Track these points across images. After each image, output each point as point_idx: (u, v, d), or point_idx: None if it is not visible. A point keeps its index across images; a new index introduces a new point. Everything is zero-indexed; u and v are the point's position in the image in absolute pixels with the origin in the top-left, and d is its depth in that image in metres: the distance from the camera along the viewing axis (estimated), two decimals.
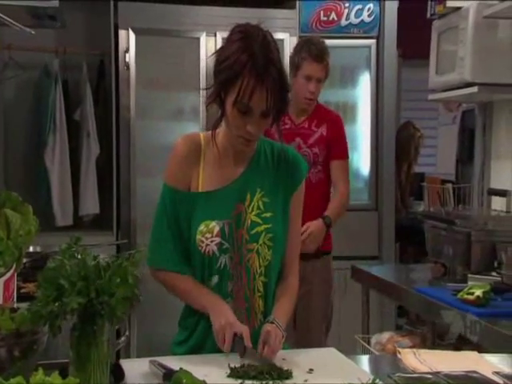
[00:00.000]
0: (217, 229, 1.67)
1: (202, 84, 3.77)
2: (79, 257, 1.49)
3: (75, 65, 3.92)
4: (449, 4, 2.81)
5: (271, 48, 1.60)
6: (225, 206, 1.69)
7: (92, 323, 1.43)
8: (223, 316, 1.62)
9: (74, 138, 3.90)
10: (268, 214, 1.70)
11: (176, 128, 3.83)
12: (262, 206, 1.70)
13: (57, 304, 1.41)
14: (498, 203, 3.10)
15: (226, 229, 1.67)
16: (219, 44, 3.78)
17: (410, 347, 2.71)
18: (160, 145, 3.81)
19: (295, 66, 2.90)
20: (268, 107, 1.59)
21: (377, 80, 3.95)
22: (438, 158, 3.51)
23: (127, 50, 3.75)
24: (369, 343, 2.85)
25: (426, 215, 2.98)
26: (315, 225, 2.79)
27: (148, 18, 3.77)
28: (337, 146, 2.97)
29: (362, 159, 3.97)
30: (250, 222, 1.69)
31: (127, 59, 3.75)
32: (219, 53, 1.65)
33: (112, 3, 3.76)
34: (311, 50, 2.87)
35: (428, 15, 3.10)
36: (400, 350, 1.78)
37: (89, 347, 1.44)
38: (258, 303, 1.72)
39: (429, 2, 3.04)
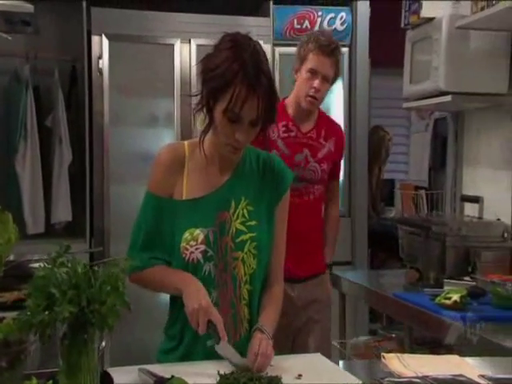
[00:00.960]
0: (201, 236, 1.67)
1: (177, 91, 3.78)
2: (69, 265, 1.48)
3: (46, 70, 3.88)
4: (423, 14, 2.87)
5: (261, 58, 1.62)
6: (209, 213, 1.70)
7: (83, 332, 1.43)
8: (196, 299, 1.60)
9: (45, 145, 3.85)
10: (253, 223, 1.71)
11: (150, 135, 3.82)
12: (246, 214, 1.71)
13: (47, 313, 1.40)
14: (470, 209, 3.17)
15: (211, 236, 1.68)
16: (194, 51, 3.79)
17: (388, 352, 2.76)
18: (134, 151, 3.80)
19: (300, 58, 2.58)
20: (258, 116, 1.60)
21: (349, 87, 4.00)
22: (410, 164, 3.57)
23: (100, 56, 3.73)
24: (345, 348, 2.88)
25: (400, 221, 3.03)
26: None
27: (122, 24, 3.75)
28: (337, 165, 2.80)
29: None
30: (234, 229, 1.70)
31: (100, 65, 3.73)
32: (208, 60, 1.65)
33: (85, 9, 3.73)
34: (319, 40, 2.54)
35: (402, 25, 3.16)
36: (384, 354, 1.81)
37: (79, 356, 1.43)
38: (243, 311, 1.73)
39: (403, 13, 3.10)
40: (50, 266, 1.48)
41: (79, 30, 3.77)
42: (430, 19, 2.88)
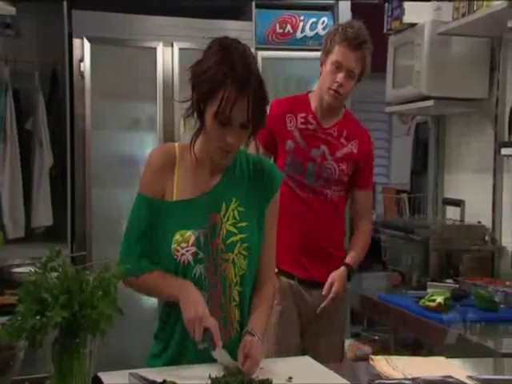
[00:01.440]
0: (192, 238, 1.68)
1: (159, 94, 3.77)
2: (60, 270, 1.48)
3: (27, 73, 3.84)
4: (405, 20, 2.91)
5: (251, 60, 1.63)
6: (200, 215, 1.70)
7: (74, 336, 1.43)
8: (193, 307, 1.62)
9: (26, 148, 3.82)
10: (243, 224, 1.72)
11: (132, 138, 3.81)
12: (237, 216, 1.72)
13: (39, 318, 1.40)
14: (452, 212, 3.21)
15: (202, 238, 1.69)
16: (176, 54, 3.79)
17: (372, 354, 2.79)
18: (116, 155, 3.79)
19: (325, 50, 2.44)
20: (248, 118, 1.61)
21: None
22: (392, 168, 3.60)
23: (82, 59, 3.71)
24: None
25: (384, 225, 3.06)
26: (340, 283, 2.41)
27: (104, 27, 3.73)
28: (365, 173, 2.54)
29: None
30: (225, 231, 1.71)
31: (82, 68, 3.71)
32: (197, 65, 1.66)
33: (66, 11, 3.70)
34: (347, 33, 2.40)
35: (384, 30, 3.19)
36: (372, 357, 1.82)
37: (71, 360, 1.43)
38: (233, 312, 1.73)
39: (385, 18, 3.14)
40: (40, 271, 1.47)
41: (60, 33, 3.74)
42: (413, 25, 2.92)
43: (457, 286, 2.68)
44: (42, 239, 3.85)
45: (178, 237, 1.68)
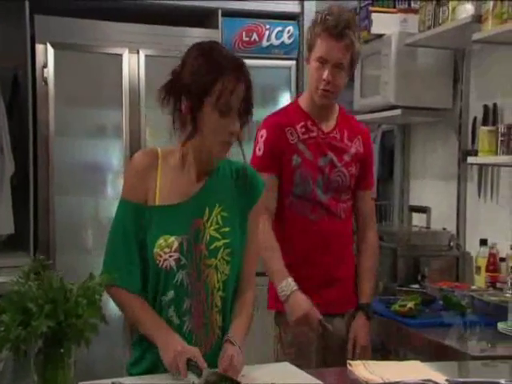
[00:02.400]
0: (176, 244, 1.68)
1: (125, 101, 3.74)
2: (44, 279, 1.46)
3: None
4: (373, 31, 2.97)
5: (236, 53, 1.71)
6: (184, 221, 1.70)
7: (58, 346, 1.41)
8: (171, 347, 1.62)
9: None
10: (227, 229, 1.73)
11: (97, 145, 3.76)
12: (220, 221, 1.73)
13: (23, 328, 1.38)
14: (418, 219, 3.29)
15: (185, 244, 1.69)
16: (142, 61, 3.77)
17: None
18: (80, 162, 3.73)
19: (308, 45, 2.23)
20: (244, 104, 1.64)
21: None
22: None
23: (45, 65, 3.66)
24: None
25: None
26: (363, 334, 2.23)
27: (68, 32, 3.69)
28: (369, 170, 2.35)
29: None
30: (208, 236, 1.71)
31: (45, 74, 3.65)
32: (182, 69, 1.67)
33: (28, 16, 3.65)
34: (326, 22, 2.15)
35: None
36: (350, 362, 1.85)
37: (55, 370, 1.42)
38: (215, 318, 1.73)
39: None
40: (23, 281, 1.46)
41: (22, 38, 3.68)
42: (380, 36, 2.99)
43: (424, 290, 2.74)
44: (4, 248, 3.77)
45: (161, 241, 1.68)
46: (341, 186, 2.26)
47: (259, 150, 2.26)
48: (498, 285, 2.73)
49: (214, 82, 1.62)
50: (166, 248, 1.67)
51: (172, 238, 1.68)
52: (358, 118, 3.30)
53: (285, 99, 4.09)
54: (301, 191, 2.23)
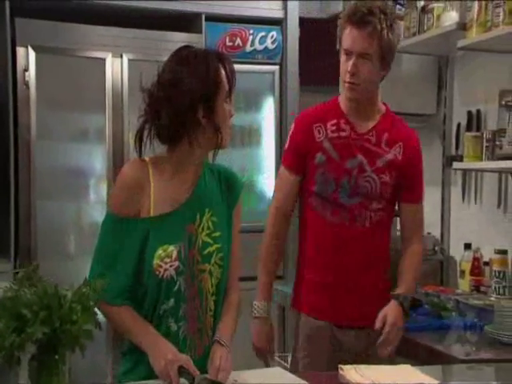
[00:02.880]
0: (175, 253, 1.68)
1: (108, 106, 3.72)
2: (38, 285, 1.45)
3: None
4: None
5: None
6: (179, 228, 1.71)
7: (53, 353, 1.40)
8: (162, 355, 1.61)
9: None
10: (217, 234, 1.74)
11: (80, 150, 3.73)
12: (211, 226, 1.74)
13: (17, 334, 1.36)
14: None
15: (182, 251, 1.69)
16: (126, 66, 3.75)
17: None
18: (63, 167, 3.69)
19: (339, 39, 2.14)
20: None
21: (280, 105, 4.08)
22: None
23: (27, 69, 3.62)
24: (286, 361, 2.92)
25: None
26: (393, 314, 2.03)
27: (50, 35, 3.65)
28: (413, 182, 2.17)
29: (266, 181, 4.07)
30: (201, 242, 1.72)
31: (26, 78, 3.62)
32: (176, 75, 1.66)
33: (8, 19, 3.61)
34: (349, 11, 2.06)
35: (337, 47, 3.26)
36: (341, 366, 1.85)
37: (50, 377, 1.41)
38: (209, 321, 1.74)
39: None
40: (16, 287, 1.44)
41: (2, 41, 3.64)
42: None
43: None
44: None
45: (160, 252, 1.67)
46: (370, 193, 2.09)
47: (287, 144, 2.23)
48: (482, 288, 2.77)
49: (221, 79, 1.66)
50: (167, 258, 1.67)
51: (171, 247, 1.68)
52: None
53: (268, 104, 4.11)
54: (322, 191, 2.12)
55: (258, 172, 4.08)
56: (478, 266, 2.85)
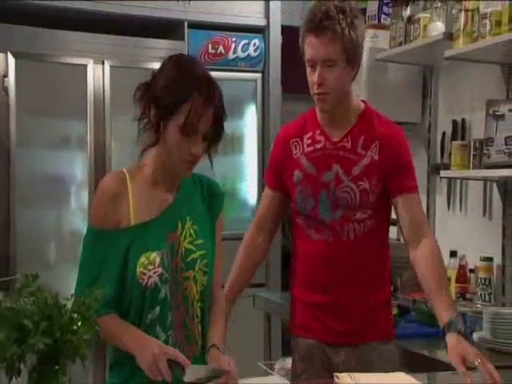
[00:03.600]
0: (158, 259, 1.66)
1: (90, 113, 3.68)
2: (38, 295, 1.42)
3: None
4: None
5: (209, 73, 1.67)
6: (161, 235, 1.69)
7: (54, 363, 1.38)
8: (147, 350, 1.58)
9: None
10: (200, 241, 1.73)
11: (61, 157, 3.68)
12: (193, 234, 1.73)
13: (18, 345, 1.34)
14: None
15: (165, 258, 1.68)
16: (107, 72, 3.72)
17: None
18: (43, 174, 3.64)
19: (302, 53, 1.98)
20: (211, 128, 1.63)
21: (263, 112, 4.09)
22: None
23: (6, 75, 3.57)
24: (272, 369, 2.91)
25: None
26: (470, 352, 1.76)
27: (30, 42, 3.61)
28: (400, 176, 1.97)
29: (249, 189, 4.07)
30: (184, 250, 1.71)
31: (6, 84, 3.56)
32: (155, 80, 1.66)
33: None
34: (307, 18, 1.92)
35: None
36: (337, 374, 1.85)
37: None
38: (197, 329, 1.73)
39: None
40: (15, 297, 1.41)
41: None
42: None
43: (397, 302, 2.77)
44: None
45: (143, 260, 1.65)
46: (351, 204, 1.96)
47: (268, 160, 2.20)
48: (468, 296, 2.79)
49: (182, 103, 1.59)
50: (150, 265, 1.65)
51: (154, 254, 1.66)
52: None
53: (250, 112, 4.11)
54: (303, 209, 2.03)
55: (241, 180, 4.08)
56: (463, 274, 2.88)
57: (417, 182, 2.01)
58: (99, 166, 3.70)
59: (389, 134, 1.99)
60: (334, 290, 2.03)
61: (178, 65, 1.67)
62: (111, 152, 3.72)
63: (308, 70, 1.95)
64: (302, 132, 2.06)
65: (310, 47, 1.91)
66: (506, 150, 2.28)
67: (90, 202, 3.64)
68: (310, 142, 2.03)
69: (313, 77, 1.92)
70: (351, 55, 1.92)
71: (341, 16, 1.89)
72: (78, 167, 3.75)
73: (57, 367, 1.38)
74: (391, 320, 2.13)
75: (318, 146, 2.00)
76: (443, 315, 1.84)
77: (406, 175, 1.98)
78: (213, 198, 1.80)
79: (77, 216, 3.75)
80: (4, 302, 1.40)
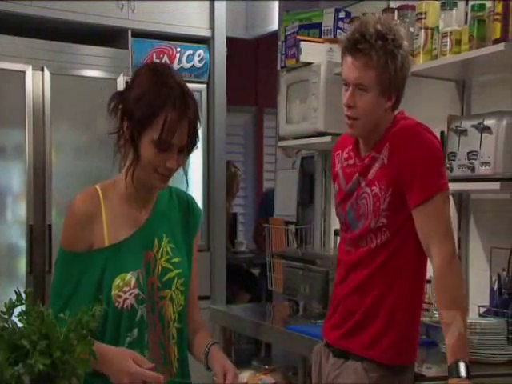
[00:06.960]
0: (133, 280, 1.60)
1: (28, 120, 3.53)
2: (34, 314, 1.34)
3: None
4: (302, 59, 3.01)
5: (184, 82, 1.60)
6: (136, 254, 1.63)
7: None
8: (123, 372, 1.51)
9: None
10: (177, 259, 1.67)
11: None
12: (170, 252, 1.67)
13: (16, 366, 1.26)
14: None
15: (141, 278, 1.61)
16: (47, 79, 3.58)
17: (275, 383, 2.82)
18: None
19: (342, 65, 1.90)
20: (187, 141, 1.57)
21: (207, 123, 4.05)
22: (277, 200, 3.70)
23: None
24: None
25: (282, 255, 3.12)
26: None
27: None
28: (412, 185, 1.78)
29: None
30: (160, 268, 1.65)
31: None
32: (128, 92, 1.59)
33: None
34: (347, 35, 1.83)
35: (278, 67, 3.29)
36: None
37: None
38: (173, 351, 1.67)
39: (279, 55, 3.24)
40: (5, 316, 1.32)
41: None
42: (307, 64, 3.04)
43: None
44: None
45: (118, 282, 1.59)
46: (368, 210, 1.84)
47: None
48: (425, 306, 2.84)
49: (155, 116, 1.53)
50: (125, 287, 1.59)
51: (129, 275, 1.59)
52: (283, 143, 3.36)
53: None
54: (339, 221, 1.97)
55: (183, 189, 4.01)
56: None
57: (435, 187, 1.80)
58: (38, 177, 3.55)
59: (399, 135, 1.84)
60: (342, 298, 1.95)
61: (150, 75, 1.59)
62: (51, 162, 3.58)
63: (343, 88, 1.87)
64: (345, 144, 1.99)
65: (345, 66, 1.83)
66: (470, 165, 2.35)
67: (28, 214, 3.49)
68: (346, 156, 1.95)
69: (344, 97, 1.85)
70: (386, 85, 1.79)
71: (379, 42, 1.77)
72: (15, 177, 3.59)
73: None
74: None
75: (351, 161, 1.92)
76: (449, 357, 1.78)
77: (411, 184, 1.79)
78: (189, 214, 1.73)
79: (13, 228, 3.58)
80: None
